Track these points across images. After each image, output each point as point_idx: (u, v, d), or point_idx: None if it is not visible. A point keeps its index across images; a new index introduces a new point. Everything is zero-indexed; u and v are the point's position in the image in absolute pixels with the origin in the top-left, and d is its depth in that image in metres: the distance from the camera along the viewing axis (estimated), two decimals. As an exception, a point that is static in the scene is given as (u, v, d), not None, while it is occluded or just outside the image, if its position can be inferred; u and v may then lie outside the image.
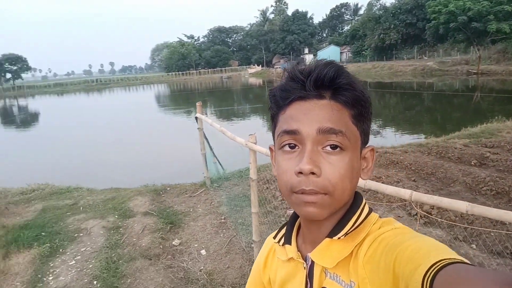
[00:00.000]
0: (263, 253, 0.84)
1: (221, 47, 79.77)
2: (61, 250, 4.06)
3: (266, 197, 4.80)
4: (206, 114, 6.08)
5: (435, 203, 1.90)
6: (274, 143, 0.67)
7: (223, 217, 4.63)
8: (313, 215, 0.62)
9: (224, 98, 31.59)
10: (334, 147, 0.60)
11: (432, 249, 0.50)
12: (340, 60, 63.40)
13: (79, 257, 3.89)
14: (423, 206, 3.94)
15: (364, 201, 0.69)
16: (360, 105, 0.62)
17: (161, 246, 3.97)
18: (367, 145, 0.68)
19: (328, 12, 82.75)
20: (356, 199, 0.68)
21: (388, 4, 49.72)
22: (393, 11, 46.51)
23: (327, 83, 0.60)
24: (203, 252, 3.86)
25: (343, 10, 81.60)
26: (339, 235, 0.64)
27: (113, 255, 3.83)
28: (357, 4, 79.94)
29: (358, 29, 56.40)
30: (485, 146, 6.72)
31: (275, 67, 68.63)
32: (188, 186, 5.89)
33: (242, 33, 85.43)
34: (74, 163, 10.33)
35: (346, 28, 74.98)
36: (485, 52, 30.50)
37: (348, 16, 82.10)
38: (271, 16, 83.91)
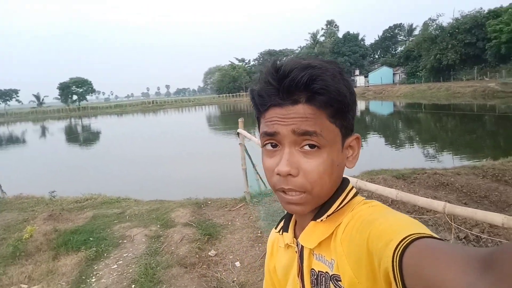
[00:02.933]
0: (269, 244, 0.88)
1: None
2: (105, 254, 4.28)
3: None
4: (255, 134, 6.22)
5: (469, 215, 1.79)
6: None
7: (259, 231, 4.63)
8: (296, 212, 0.67)
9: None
10: (311, 146, 0.62)
11: (403, 224, 0.51)
12: (393, 81, 61.63)
13: (121, 261, 4.07)
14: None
15: (350, 185, 0.71)
16: (336, 104, 0.62)
17: (197, 256, 4.05)
18: (352, 133, 0.69)
19: (380, 33, 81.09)
20: (342, 184, 0.70)
21: (445, 24, 47.47)
22: (451, 31, 44.36)
23: (301, 89, 0.60)
24: (237, 264, 3.87)
25: (396, 31, 79.44)
26: (322, 218, 0.66)
27: (152, 261, 3.96)
28: (411, 25, 77.49)
29: (413, 49, 54.55)
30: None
31: (324, 88, 68.15)
32: (229, 201, 5.98)
33: (292, 55, 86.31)
34: (127, 176, 10.95)
35: (400, 49, 72.84)
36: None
37: (401, 37, 79.72)
38: (322, 38, 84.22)
